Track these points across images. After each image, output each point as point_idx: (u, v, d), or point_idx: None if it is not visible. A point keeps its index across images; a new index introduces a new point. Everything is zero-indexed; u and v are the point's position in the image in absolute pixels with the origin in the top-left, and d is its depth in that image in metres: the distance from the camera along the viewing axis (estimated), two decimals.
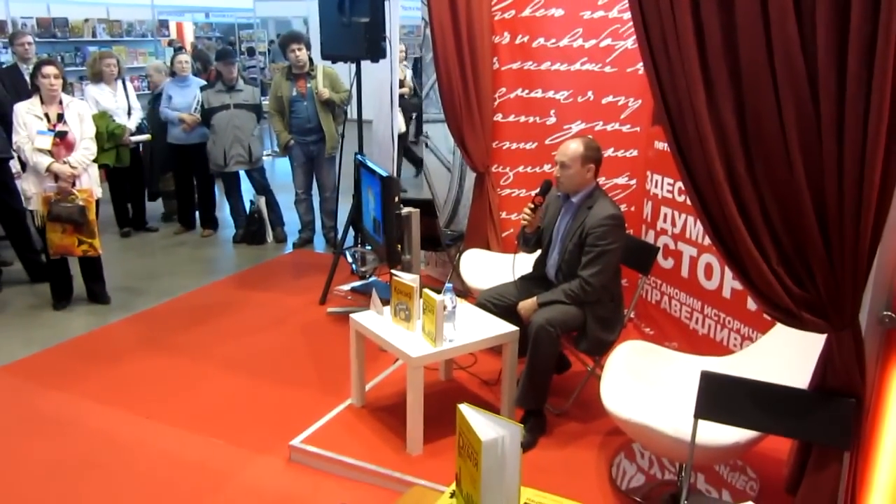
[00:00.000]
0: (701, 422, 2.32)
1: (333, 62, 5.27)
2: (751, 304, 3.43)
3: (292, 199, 6.32)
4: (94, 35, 9.74)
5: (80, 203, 4.58)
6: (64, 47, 9.38)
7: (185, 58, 6.53)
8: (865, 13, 1.74)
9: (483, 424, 1.47)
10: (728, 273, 3.57)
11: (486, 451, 1.42)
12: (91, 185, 4.72)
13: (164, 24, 11.02)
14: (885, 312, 2.07)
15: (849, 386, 2.12)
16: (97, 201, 4.78)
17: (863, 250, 1.93)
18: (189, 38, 11.70)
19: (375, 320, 3.39)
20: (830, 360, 2.15)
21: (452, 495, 1.62)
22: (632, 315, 4.00)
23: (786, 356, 2.67)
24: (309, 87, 5.78)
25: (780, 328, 2.75)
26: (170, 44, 10.48)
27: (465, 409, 1.52)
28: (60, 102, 4.61)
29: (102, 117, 5.89)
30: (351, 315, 3.48)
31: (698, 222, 3.68)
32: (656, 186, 4.13)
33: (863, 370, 2.11)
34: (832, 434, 2.17)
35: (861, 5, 1.74)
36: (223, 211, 6.92)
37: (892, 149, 1.82)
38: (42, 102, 4.55)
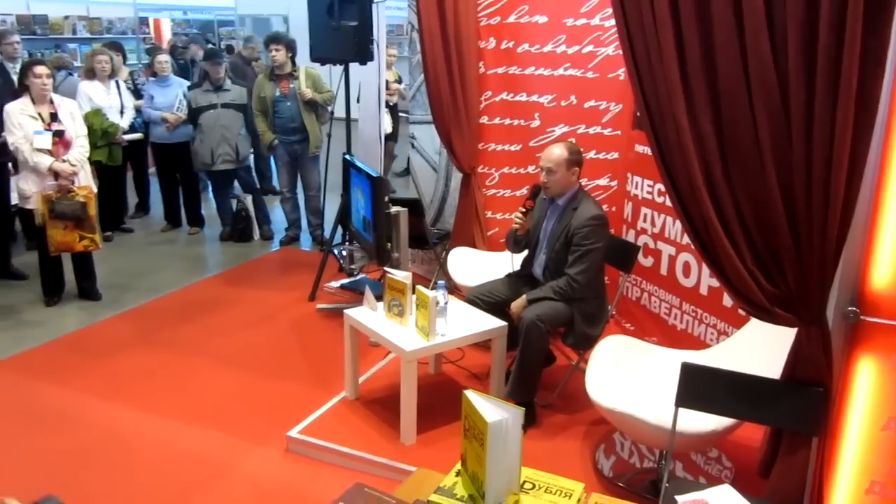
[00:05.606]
0: (681, 410, 2.48)
1: (322, 64, 5.36)
2: (726, 301, 3.61)
3: (277, 198, 6.40)
4: (74, 32, 9.70)
5: (81, 199, 4.65)
6: (44, 44, 9.34)
7: (164, 57, 6.54)
8: (832, 29, 1.90)
9: (488, 408, 1.61)
10: (705, 271, 3.74)
11: (492, 431, 1.56)
12: (88, 181, 4.79)
13: (144, 22, 10.97)
14: (849, 308, 2.22)
15: (817, 376, 2.28)
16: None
17: (829, 250, 2.10)
18: (167, 35, 11.62)
19: (369, 316, 3.51)
20: (800, 352, 2.31)
21: (458, 474, 1.75)
22: (613, 311, 4.16)
23: (759, 349, 2.83)
24: (292, 87, 5.87)
25: (753, 323, 2.92)
26: (148, 52, 10.37)
27: (471, 395, 1.66)
28: (51, 102, 4.65)
29: (97, 115, 5.91)
30: (345, 311, 3.59)
31: (677, 222, 3.85)
32: (636, 188, 4.30)
33: (830, 361, 2.27)
34: (802, 421, 2.33)
35: (828, 22, 1.90)
36: (209, 209, 6.98)
37: (856, 155, 1.98)
38: (33, 102, 4.58)
